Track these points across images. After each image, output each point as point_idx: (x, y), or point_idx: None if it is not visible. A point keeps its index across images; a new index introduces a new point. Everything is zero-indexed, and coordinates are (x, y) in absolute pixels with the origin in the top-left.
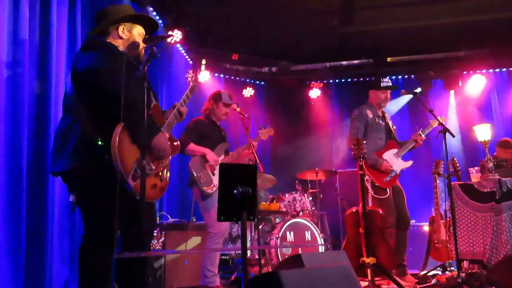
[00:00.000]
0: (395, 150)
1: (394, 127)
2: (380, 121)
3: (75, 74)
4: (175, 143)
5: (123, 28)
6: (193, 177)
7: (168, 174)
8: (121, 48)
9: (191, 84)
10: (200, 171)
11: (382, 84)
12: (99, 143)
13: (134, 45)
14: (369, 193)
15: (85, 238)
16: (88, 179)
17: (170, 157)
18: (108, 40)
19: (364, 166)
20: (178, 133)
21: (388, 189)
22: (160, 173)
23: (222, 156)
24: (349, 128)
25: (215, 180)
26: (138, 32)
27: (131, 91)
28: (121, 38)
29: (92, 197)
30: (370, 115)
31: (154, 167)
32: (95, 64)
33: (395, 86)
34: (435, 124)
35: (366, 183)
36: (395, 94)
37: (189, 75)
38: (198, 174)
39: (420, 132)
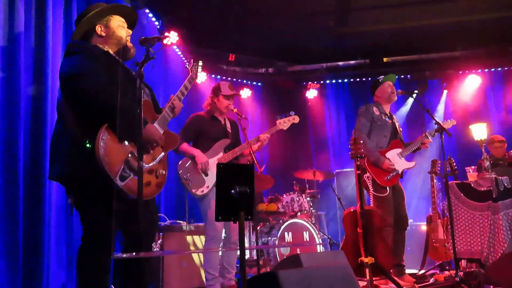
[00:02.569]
0: (399, 150)
1: (401, 129)
2: (387, 119)
3: (60, 79)
4: (172, 136)
5: (100, 27)
6: (181, 180)
7: (165, 170)
8: (106, 48)
9: (190, 73)
10: (188, 173)
11: (381, 79)
12: (88, 145)
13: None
14: (370, 191)
15: (83, 240)
16: (82, 183)
17: (166, 152)
18: (92, 42)
19: (365, 163)
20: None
21: (388, 187)
22: (155, 170)
23: (221, 154)
24: (355, 124)
25: (209, 181)
26: (117, 23)
27: (116, 91)
28: (101, 36)
29: (88, 200)
30: (377, 112)
31: (144, 165)
32: (76, 68)
33: (392, 74)
34: (445, 125)
35: (367, 180)
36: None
37: (190, 65)
38: (185, 176)
39: (427, 134)
